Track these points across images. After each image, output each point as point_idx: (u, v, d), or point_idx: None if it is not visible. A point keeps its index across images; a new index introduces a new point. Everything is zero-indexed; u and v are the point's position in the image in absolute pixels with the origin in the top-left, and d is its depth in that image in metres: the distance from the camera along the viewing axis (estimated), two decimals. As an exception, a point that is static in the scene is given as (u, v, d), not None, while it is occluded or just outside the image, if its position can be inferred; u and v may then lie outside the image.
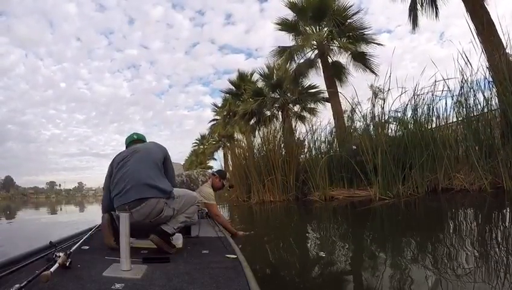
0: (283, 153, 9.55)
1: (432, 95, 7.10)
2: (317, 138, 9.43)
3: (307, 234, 4.30)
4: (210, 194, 3.37)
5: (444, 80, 6.89)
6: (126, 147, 2.53)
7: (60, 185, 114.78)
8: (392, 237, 3.54)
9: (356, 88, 11.42)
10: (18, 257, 1.65)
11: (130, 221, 1.90)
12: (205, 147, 33.41)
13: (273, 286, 2.08)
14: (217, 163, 40.42)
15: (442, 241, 3.01)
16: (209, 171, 3.82)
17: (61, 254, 1.48)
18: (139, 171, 2.11)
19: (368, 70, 12.13)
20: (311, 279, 2.28)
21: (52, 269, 1.32)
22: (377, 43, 11.87)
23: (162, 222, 2.09)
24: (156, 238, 1.97)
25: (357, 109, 8.67)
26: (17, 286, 1.13)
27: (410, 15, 10.20)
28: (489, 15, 7.52)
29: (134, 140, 2.55)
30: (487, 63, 6.60)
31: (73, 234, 2.38)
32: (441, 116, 7.14)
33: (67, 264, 1.47)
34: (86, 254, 1.86)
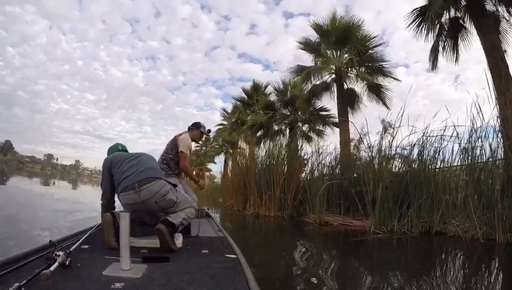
0: (285, 170, 9.57)
1: (441, 138, 7.15)
2: (321, 161, 9.43)
3: (296, 254, 4.34)
4: (188, 145, 3.50)
5: (454, 126, 6.95)
6: None
7: (57, 159, 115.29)
8: (379, 272, 3.58)
9: (367, 117, 11.47)
10: (18, 255, 1.64)
11: (135, 202, 2.06)
12: (208, 149, 33.46)
13: (273, 286, 2.12)
14: (216, 167, 40.24)
15: (427, 284, 3.07)
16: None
17: (61, 253, 1.49)
18: (151, 161, 2.41)
19: (380, 102, 12.23)
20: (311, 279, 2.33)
21: (51, 268, 1.33)
22: (394, 78, 12.00)
23: (164, 207, 2.21)
24: (163, 227, 2.01)
25: (364, 140, 8.72)
26: (16, 284, 1.14)
27: (430, 56, 10.27)
28: (508, 69, 7.64)
29: (119, 150, 2.70)
30: (498, 115, 6.66)
31: (73, 233, 2.38)
32: (446, 159, 7.19)
33: (67, 263, 1.48)
34: (85, 253, 1.87)
